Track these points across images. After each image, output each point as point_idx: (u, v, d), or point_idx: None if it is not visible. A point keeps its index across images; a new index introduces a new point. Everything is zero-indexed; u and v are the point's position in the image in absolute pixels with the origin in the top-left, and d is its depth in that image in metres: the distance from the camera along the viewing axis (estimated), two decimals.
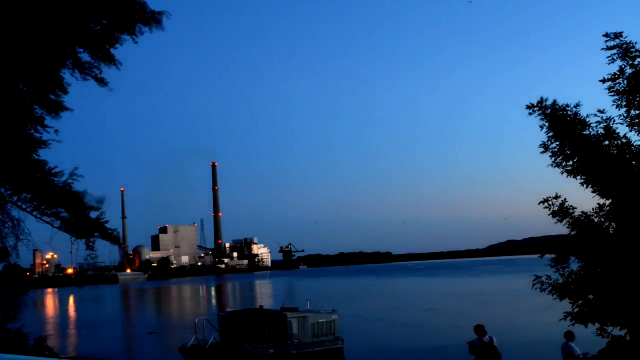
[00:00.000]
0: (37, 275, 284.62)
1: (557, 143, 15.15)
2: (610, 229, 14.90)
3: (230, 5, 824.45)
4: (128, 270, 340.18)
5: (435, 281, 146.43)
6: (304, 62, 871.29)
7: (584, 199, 15.46)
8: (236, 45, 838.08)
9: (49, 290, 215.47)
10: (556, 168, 15.28)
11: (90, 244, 20.09)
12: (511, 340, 42.89)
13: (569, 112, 15.08)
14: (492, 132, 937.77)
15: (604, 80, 14.59)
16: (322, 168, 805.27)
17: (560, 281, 15.07)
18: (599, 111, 14.78)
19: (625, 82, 14.38)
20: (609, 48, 14.43)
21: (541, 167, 16.08)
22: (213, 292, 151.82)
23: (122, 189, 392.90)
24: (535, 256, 16.45)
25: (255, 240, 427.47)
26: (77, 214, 19.60)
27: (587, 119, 14.91)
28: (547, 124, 15.22)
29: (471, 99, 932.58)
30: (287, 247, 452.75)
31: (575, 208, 15.22)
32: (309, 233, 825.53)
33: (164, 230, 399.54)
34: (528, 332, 46.11)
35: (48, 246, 21.97)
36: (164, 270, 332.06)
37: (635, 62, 14.30)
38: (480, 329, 18.65)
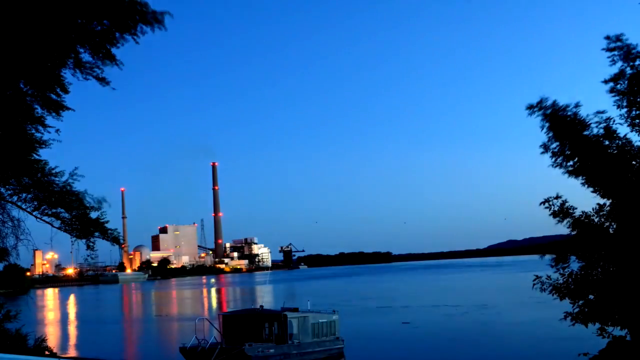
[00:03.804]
0: (37, 276, 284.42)
1: (558, 143, 15.14)
2: (611, 229, 14.89)
3: (232, 5, 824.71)
4: (128, 270, 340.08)
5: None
6: (306, 63, 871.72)
7: (584, 199, 15.46)
8: (237, 47, 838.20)
9: (49, 290, 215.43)
10: (557, 168, 15.28)
11: (91, 244, 20.03)
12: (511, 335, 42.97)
13: (569, 113, 15.07)
14: (492, 132, 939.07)
15: (605, 82, 14.58)
16: (323, 168, 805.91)
17: (561, 281, 15.06)
18: (599, 112, 14.78)
19: (626, 83, 14.37)
20: (610, 50, 14.43)
21: (542, 168, 16.04)
22: (213, 292, 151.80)
23: (122, 189, 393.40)
24: (536, 256, 16.44)
25: (255, 240, 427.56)
26: (78, 214, 19.55)
27: (587, 120, 14.90)
28: (547, 125, 15.20)
29: (471, 99, 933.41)
30: (287, 247, 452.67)
31: (576, 208, 15.22)
32: (309, 233, 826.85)
33: (164, 230, 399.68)
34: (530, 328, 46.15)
35: (48, 246, 22.01)
36: (164, 270, 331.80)
37: (636, 64, 14.30)
38: None
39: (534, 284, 15.51)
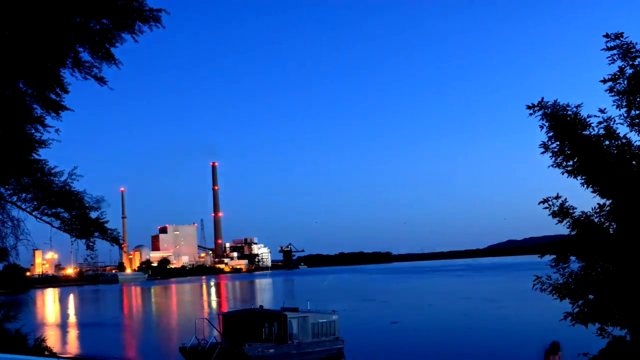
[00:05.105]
0: (37, 275, 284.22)
1: (558, 143, 15.09)
2: (611, 229, 14.86)
3: (233, 4, 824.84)
4: (128, 270, 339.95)
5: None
6: (306, 63, 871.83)
7: (584, 199, 15.43)
8: (237, 47, 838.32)
9: (49, 290, 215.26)
10: (557, 168, 15.24)
11: (90, 244, 20.06)
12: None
13: (570, 113, 15.03)
14: (492, 132, 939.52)
15: (604, 81, 14.52)
16: (322, 168, 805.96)
17: (561, 281, 15.03)
18: (600, 111, 14.74)
19: (625, 82, 14.32)
20: (609, 48, 14.37)
21: (542, 167, 16.04)
22: (213, 292, 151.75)
23: (122, 189, 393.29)
24: (536, 256, 16.41)
25: (255, 240, 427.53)
26: (77, 214, 19.57)
27: (588, 120, 14.86)
28: (547, 124, 15.16)
29: (471, 99, 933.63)
30: (287, 247, 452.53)
31: (576, 208, 15.18)
32: (309, 233, 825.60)
33: (164, 230, 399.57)
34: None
35: (48, 246, 22.04)
36: (164, 270, 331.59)
37: (636, 63, 14.23)
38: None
39: (534, 284, 15.48)
